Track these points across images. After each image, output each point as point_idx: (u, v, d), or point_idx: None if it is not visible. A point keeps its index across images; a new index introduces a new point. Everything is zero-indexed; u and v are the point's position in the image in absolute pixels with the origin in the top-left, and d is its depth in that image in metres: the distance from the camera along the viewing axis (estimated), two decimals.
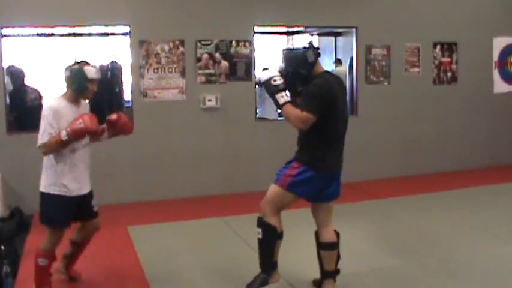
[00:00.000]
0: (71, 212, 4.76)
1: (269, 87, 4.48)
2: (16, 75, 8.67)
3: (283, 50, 4.90)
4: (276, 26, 10.00)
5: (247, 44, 8.62)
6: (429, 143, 9.93)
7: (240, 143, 8.72)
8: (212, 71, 8.43)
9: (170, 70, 8.24)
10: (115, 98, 10.12)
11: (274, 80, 4.45)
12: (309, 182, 4.57)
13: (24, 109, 8.45)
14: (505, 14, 10.49)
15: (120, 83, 10.29)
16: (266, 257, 4.74)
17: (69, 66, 4.72)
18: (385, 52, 9.48)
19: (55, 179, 4.64)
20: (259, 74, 4.72)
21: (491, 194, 8.48)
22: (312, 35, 12.58)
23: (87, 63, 4.77)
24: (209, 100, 8.39)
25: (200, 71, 8.37)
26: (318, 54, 4.62)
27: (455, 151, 10.16)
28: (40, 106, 8.19)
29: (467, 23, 10.13)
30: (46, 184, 4.70)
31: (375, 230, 6.68)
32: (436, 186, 8.86)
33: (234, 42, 8.54)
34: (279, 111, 5.18)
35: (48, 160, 4.67)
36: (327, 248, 4.83)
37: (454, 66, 10.10)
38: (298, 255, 5.88)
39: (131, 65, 8.21)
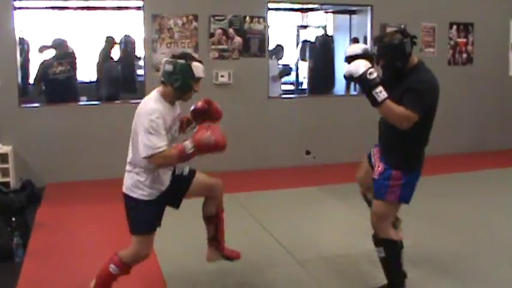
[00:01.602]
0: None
1: (365, 83, 3.92)
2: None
3: (376, 38, 4.47)
4: (291, 2, 9.91)
5: (261, 20, 8.56)
6: (442, 124, 9.81)
7: (252, 120, 8.69)
8: (225, 46, 8.38)
9: (183, 45, 8.20)
10: (128, 72, 10.14)
11: (370, 74, 3.89)
12: (413, 185, 4.28)
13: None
14: None
15: (134, 57, 10.30)
16: (396, 272, 4.37)
17: (173, 59, 4.06)
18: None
19: None
20: (350, 67, 3.99)
21: (503, 178, 8.45)
22: (326, 12, 12.47)
23: (193, 58, 4.20)
24: (222, 76, 8.35)
25: (213, 47, 8.33)
26: (415, 43, 4.20)
27: (468, 133, 10.09)
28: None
29: (484, 4, 10.01)
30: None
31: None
32: (447, 168, 8.81)
33: (247, 18, 8.49)
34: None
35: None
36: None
37: (469, 48, 10.01)
38: (306, 231, 5.89)
39: (144, 39, 8.18)
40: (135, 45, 10.17)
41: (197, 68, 4.10)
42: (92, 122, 8.15)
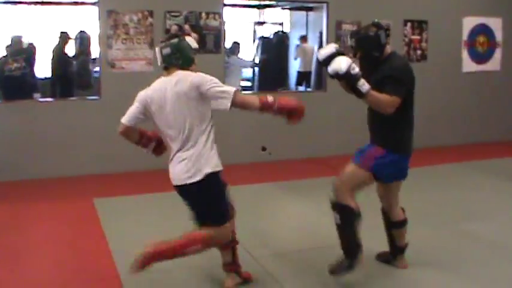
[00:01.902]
0: None
1: (350, 78, 4.17)
2: None
3: (353, 32, 4.90)
4: None
5: (216, 16, 8.55)
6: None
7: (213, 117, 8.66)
8: None
9: (138, 41, 8.15)
10: (83, 68, 10.03)
11: (353, 69, 4.16)
12: (393, 165, 4.49)
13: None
14: None
15: (89, 53, 10.20)
16: (349, 241, 4.47)
17: (167, 43, 4.19)
18: (355, 28, 9.46)
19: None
20: (333, 65, 4.23)
21: (457, 172, 8.60)
22: (283, 8, 12.52)
23: (183, 34, 4.53)
24: None
25: None
26: (388, 35, 4.56)
27: (423, 129, 10.20)
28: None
29: (438, 2, 10.17)
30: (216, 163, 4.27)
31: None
32: None
33: (203, 14, 8.47)
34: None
35: (209, 136, 4.22)
36: (399, 226, 4.79)
37: (423, 45, 10.15)
38: (262, 227, 5.91)
39: (99, 35, 8.09)
40: (91, 41, 10.06)
41: (190, 40, 4.27)
42: (46, 119, 8.05)
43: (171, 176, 4.26)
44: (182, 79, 4.07)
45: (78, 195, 7.15)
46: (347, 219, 4.42)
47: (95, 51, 9.53)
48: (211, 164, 4.19)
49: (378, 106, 4.31)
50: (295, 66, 11.83)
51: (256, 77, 12.00)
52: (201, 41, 8.44)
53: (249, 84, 12.09)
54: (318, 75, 9.59)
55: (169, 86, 4.09)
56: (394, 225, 4.80)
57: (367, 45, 4.47)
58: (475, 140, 10.71)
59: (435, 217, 6.40)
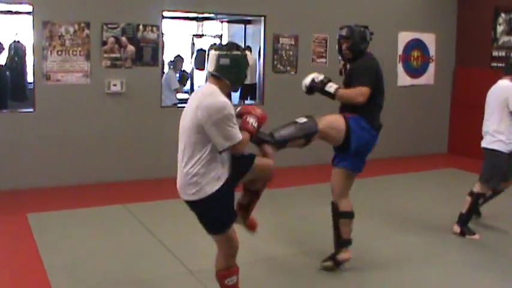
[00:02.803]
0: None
1: (316, 86, 4.99)
2: None
3: (344, 26, 5.36)
4: (185, 11, 9.90)
5: (154, 28, 8.51)
6: None
7: (145, 129, 8.61)
8: (118, 55, 8.26)
9: (74, 53, 8.03)
10: (18, 79, 9.85)
11: (317, 78, 4.99)
12: (364, 132, 5.19)
13: None
14: (409, 9, 10.82)
15: (24, 64, 10.01)
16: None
17: (227, 52, 3.93)
18: (293, 42, 9.57)
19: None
20: (305, 82, 5.07)
21: (393, 184, 8.77)
22: (222, 21, 12.57)
23: (242, 47, 4.16)
24: (114, 85, 8.23)
25: (105, 55, 8.20)
26: (371, 39, 5.34)
27: None
28: None
29: (374, 17, 10.34)
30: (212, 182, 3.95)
31: (274, 220, 6.77)
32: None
33: (141, 26, 8.41)
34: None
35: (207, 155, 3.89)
36: (347, 216, 5.22)
37: None
38: (200, 241, 5.89)
39: (34, 46, 7.94)
40: (26, 52, 9.88)
41: (249, 57, 4.10)
42: None
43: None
44: (206, 94, 3.90)
45: (11, 210, 7.00)
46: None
47: (29, 62, 9.37)
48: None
49: (350, 100, 4.97)
50: None
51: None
52: (138, 53, 8.39)
53: (186, 96, 12.05)
54: (258, 88, 9.65)
55: (199, 94, 4.01)
56: (341, 215, 5.21)
57: (356, 36, 5.17)
58: (410, 152, 10.93)
59: (370, 227, 6.52)
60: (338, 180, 5.23)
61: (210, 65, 3.94)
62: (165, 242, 5.94)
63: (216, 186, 3.90)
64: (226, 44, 4.08)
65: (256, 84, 11.41)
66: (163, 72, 9.62)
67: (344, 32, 5.25)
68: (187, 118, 3.93)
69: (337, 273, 5.23)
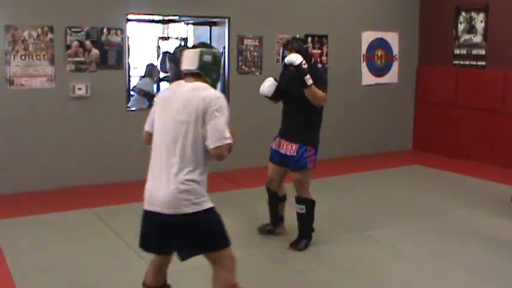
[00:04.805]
0: None
1: (301, 70, 5.35)
2: None
3: (291, 40, 5.92)
4: (150, 14, 9.88)
5: (119, 32, 8.49)
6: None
7: (110, 133, 8.59)
8: (82, 59, 8.22)
9: (38, 57, 7.97)
10: None
11: (304, 64, 5.36)
12: (317, 156, 5.88)
13: None
14: (372, 9, 10.93)
15: None
16: (310, 225, 5.88)
17: (209, 50, 3.85)
18: (257, 43, 9.62)
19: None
20: (290, 57, 5.42)
21: (357, 182, 8.86)
22: (187, 24, 12.54)
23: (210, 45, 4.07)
24: (79, 89, 8.18)
25: (70, 59, 8.15)
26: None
27: (322, 141, 10.41)
28: None
29: (338, 17, 10.45)
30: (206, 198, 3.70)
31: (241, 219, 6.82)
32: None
33: (105, 30, 8.39)
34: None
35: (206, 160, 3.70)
36: (284, 200, 6.20)
37: (324, 58, 10.40)
38: None
39: None
40: None
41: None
42: None
43: None
44: (199, 88, 3.71)
45: None
46: (310, 209, 5.79)
47: None
48: None
49: (315, 98, 5.53)
50: None
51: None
52: (103, 56, 8.36)
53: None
54: (222, 90, 9.67)
55: (185, 88, 3.75)
56: (281, 199, 6.17)
57: (305, 53, 5.66)
58: (375, 150, 11.05)
59: (340, 224, 6.60)
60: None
61: (189, 63, 3.78)
62: (133, 245, 5.92)
63: (208, 203, 3.68)
64: (202, 43, 4.06)
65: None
66: (130, 76, 9.59)
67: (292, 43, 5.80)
68: (180, 115, 3.64)
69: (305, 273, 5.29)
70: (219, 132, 3.57)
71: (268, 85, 5.84)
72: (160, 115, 3.77)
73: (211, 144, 3.57)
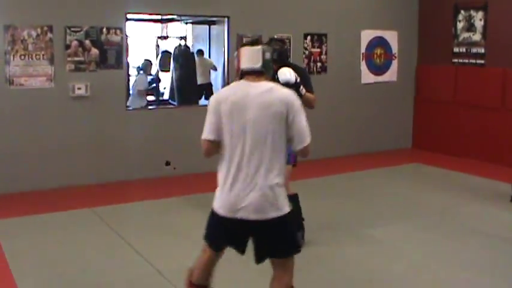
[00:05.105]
0: None
1: (296, 86, 5.36)
2: None
3: (272, 43, 5.81)
4: (149, 13, 9.89)
5: (118, 31, 8.49)
6: None
7: (110, 132, 8.59)
8: (82, 58, 8.22)
9: (38, 57, 7.98)
10: None
11: (297, 79, 5.45)
12: None
13: None
14: (371, 8, 10.93)
15: None
16: (300, 217, 5.79)
17: (268, 47, 3.76)
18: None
19: None
20: (285, 77, 5.39)
21: (359, 180, 8.87)
22: (186, 23, 12.56)
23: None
24: (78, 88, 8.19)
25: (69, 59, 8.15)
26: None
27: (323, 139, 10.45)
28: None
29: (337, 16, 10.46)
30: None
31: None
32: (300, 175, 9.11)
33: (104, 29, 8.39)
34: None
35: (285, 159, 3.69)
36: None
37: (323, 57, 10.40)
38: (168, 241, 5.92)
39: None
40: None
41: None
42: None
43: None
44: (275, 88, 3.62)
45: None
46: (296, 203, 5.54)
47: None
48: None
49: (310, 103, 5.58)
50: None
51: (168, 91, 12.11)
52: (102, 56, 8.36)
53: (152, 98, 12.07)
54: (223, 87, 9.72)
55: (257, 90, 3.59)
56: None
57: (285, 54, 6.01)
58: (375, 148, 11.05)
59: (339, 223, 6.60)
60: None
61: (253, 61, 3.63)
62: (133, 243, 5.94)
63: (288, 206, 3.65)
64: (257, 39, 4.04)
65: (210, 83, 11.55)
66: (129, 75, 9.60)
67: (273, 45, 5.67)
68: (262, 118, 3.52)
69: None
70: (304, 131, 3.58)
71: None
72: (237, 119, 3.55)
73: (299, 145, 3.59)
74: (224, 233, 3.69)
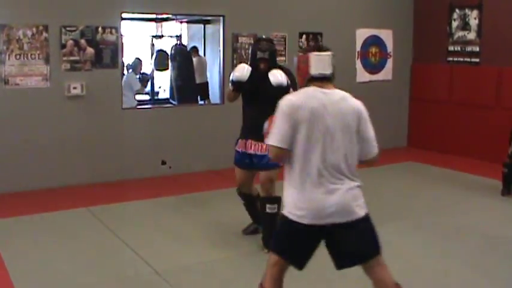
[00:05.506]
0: None
1: (288, 88, 5.40)
2: None
3: (264, 43, 5.78)
4: (144, 13, 9.89)
5: (113, 30, 8.48)
6: None
7: (106, 131, 8.59)
8: (77, 58, 8.22)
9: (33, 56, 7.97)
10: None
11: (288, 82, 5.47)
12: None
13: None
14: (366, 6, 10.96)
15: None
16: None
17: (327, 52, 3.77)
18: (252, 41, 9.60)
19: None
20: (277, 80, 5.47)
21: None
22: (181, 22, 12.55)
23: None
24: (74, 88, 8.18)
25: (65, 58, 8.15)
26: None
27: None
28: None
29: (332, 14, 10.47)
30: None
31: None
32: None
33: (100, 28, 8.38)
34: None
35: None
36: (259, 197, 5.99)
37: None
38: (164, 242, 5.93)
39: None
40: None
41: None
42: None
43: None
44: (348, 97, 3.72)
45: None
46: (280, 206, 5.40)
47: None
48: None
49: None
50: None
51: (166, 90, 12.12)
52: (98, 55, 8.36)
53: (147, 97, 12.06)
54: (219, 88, 9.70)
55: (334, 98, 3.66)
56: (256, 198, 5.99)
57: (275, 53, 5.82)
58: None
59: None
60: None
61: (325, 67, 3.70)
62: (130, 243, 5.95)
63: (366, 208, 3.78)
64: (317, 45, 4.08)
65: (207, 82, 11.53)
66: (124, 74, 9.60)
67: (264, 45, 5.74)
68: (341, 126, 3.60)
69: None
70: (374, 141, 3.72)
71: (247, 69, 5.65)
72: (316, 126, 3.54)
73: (370, 154, 3.73)
74: (304, 242, 3.75)
